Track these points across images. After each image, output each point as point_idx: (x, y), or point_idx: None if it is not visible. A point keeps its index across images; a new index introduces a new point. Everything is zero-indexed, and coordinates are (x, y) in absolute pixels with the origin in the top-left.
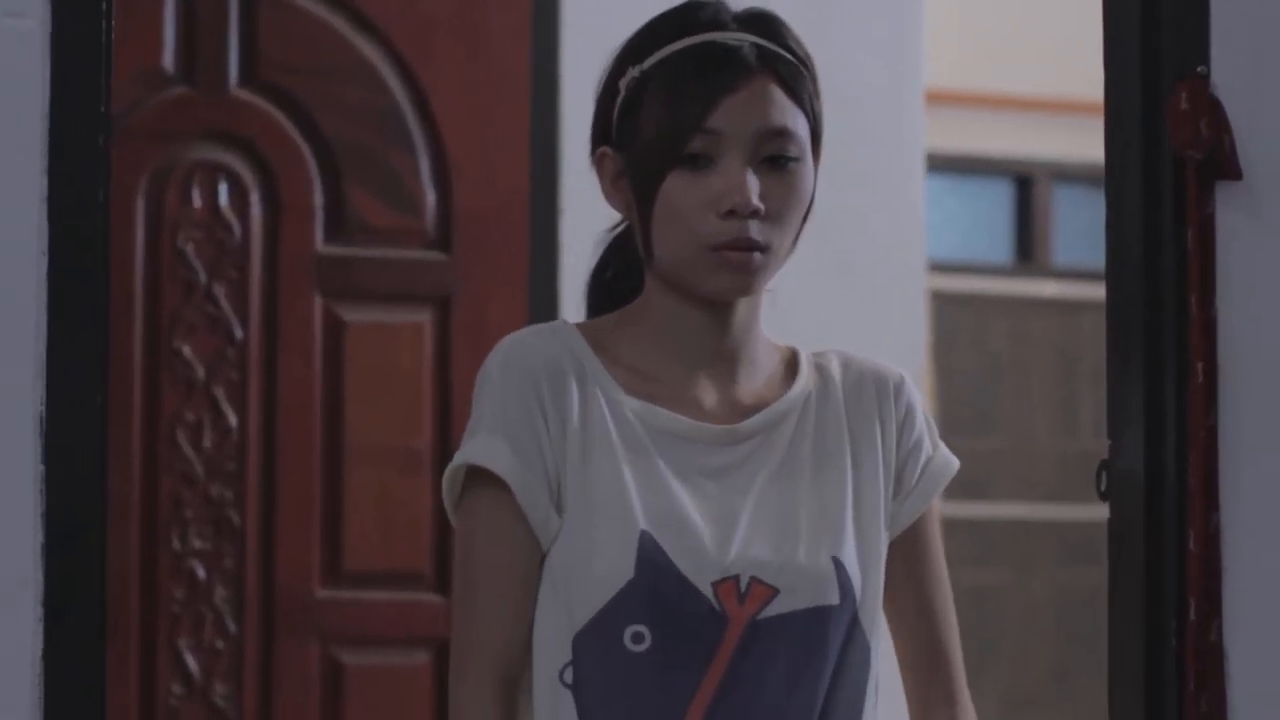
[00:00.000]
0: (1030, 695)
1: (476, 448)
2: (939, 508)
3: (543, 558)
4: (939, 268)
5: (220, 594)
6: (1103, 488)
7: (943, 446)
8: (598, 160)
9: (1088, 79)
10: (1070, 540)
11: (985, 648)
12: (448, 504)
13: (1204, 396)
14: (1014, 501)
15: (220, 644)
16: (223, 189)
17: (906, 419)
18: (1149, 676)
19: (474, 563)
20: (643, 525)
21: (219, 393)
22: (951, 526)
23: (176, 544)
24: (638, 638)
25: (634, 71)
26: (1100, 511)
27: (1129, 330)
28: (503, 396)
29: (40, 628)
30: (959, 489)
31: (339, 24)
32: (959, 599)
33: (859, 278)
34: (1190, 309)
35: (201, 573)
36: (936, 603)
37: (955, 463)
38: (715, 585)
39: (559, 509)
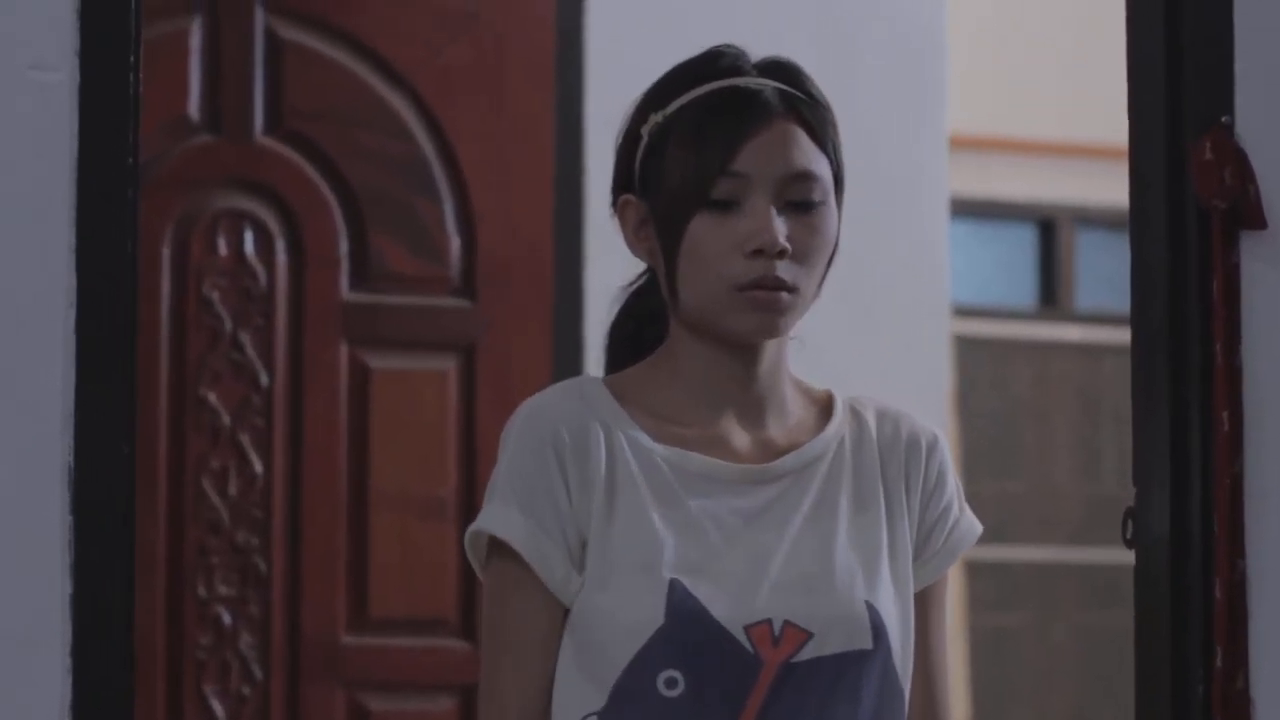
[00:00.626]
0: None
1: (491, 516)
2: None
3: (567, 612)
4: (962, 311)
5: (246, 640)
6: (1129, 535)
7: (968, 511)
8: (620, 208)
9: (1110, 123)
10: (1093, 583)
11: (1007, 691)
12: (474, 563)
13: (1229, 445)
14: (1036, 545)
15: (246, 690)
16: (248, 237)
17: (939, 482)
18: None
19: (496, 630)
20: (673, 572)
21: (245, 440)
22: (974, 570)
23: (203, 591)
24: (671, 683)
25: (657, 117)
26: (1123, 555)
27: (1154, 380)
28: (519, 462)
29: (69, 678)
30: (981, 532)
31: (363, 72)
32: (981, 642)
33: (882, 322)
34: (1215, 358)
35: (228, 619)
36: (938, 666)
37: (979, 528)
38: (748, 629)
39: (580, 566)
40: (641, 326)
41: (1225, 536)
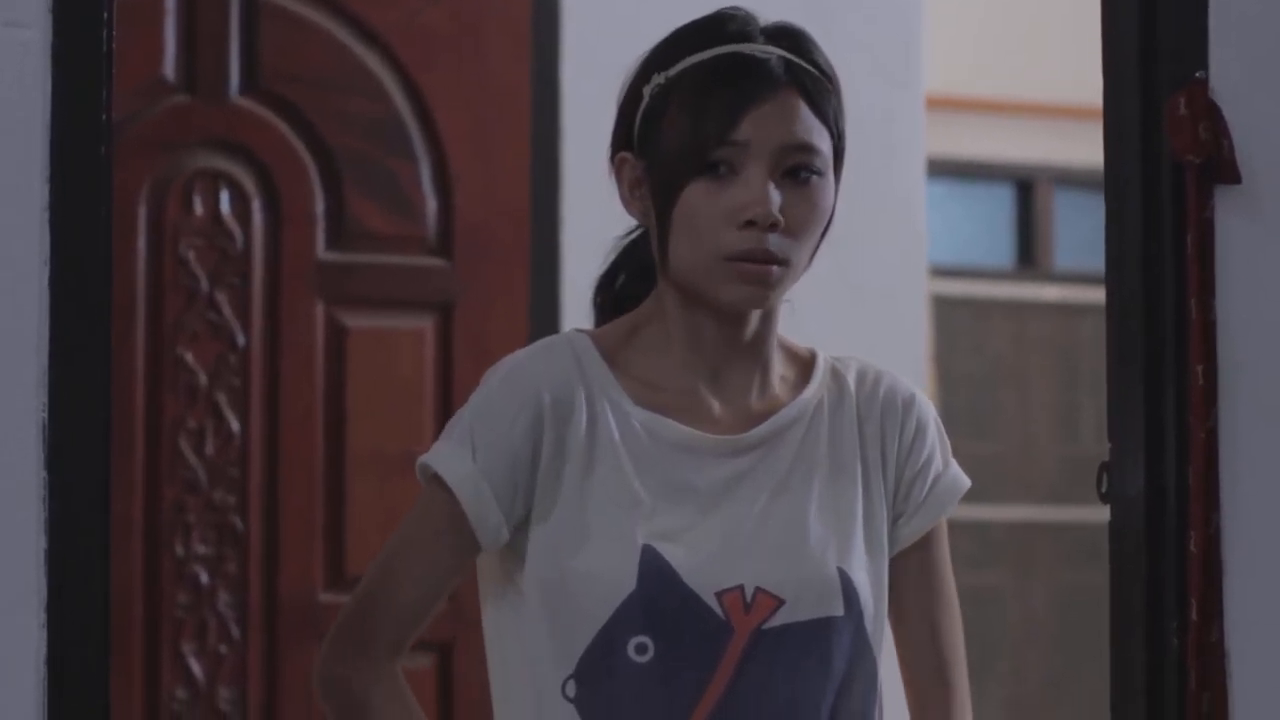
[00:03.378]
0: (1031, 697)
1: (442, 455)
2: (945, 524)
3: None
4: (940, 272)
5: (224, 599)
6: (1103, 489)
7: (955, 465)
8: (617, 165)
9: (1089, 84)
10: (1070, 543)
11: (986, 650)
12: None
13: (1204, 399)
14: (1014, 504)
15: (224, 649)
16: (224, 197)
17: (916, 436)
18: (1150, 677)
19: (408, 546)
20: (645, 538)
21: (221, 399)
22: (952, 529)
23: (180, 550)
24: (641, 649)
25: (659, 78)
26: (1101, 513)
27: (1128, 333)
28: (490, 411)
29: (44, 634)
30: (968, 487)
31: (340, 34)
32: (959, 600)
33: (860, 282)
34: (1189, 312)
35: (205, 578)
36: (943, 624)
37: (965, 482)
38: (720, 595)
39: (516, 523)
40: (632, 280)
41: (1200, 490)
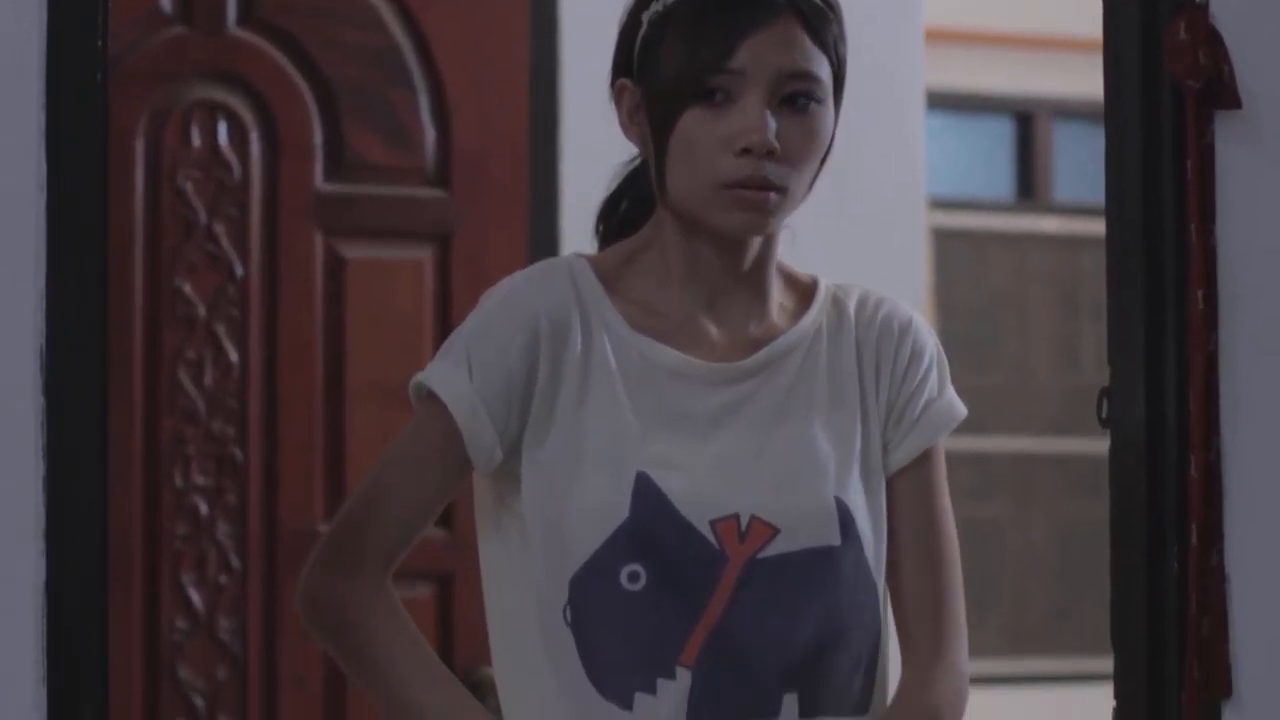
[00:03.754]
0: (1031, 629)
1: (438, 373)
2: (942, 453)
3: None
4: (939, 204)
5: (223, 530)
6: (1103, 415)
7: (951, 393)
8: (616, 92)
9: (1088, 16)
10: (1071, 474)
11: (986, 582)
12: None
13: (1203, 323)
14: (1015, 436)
15: (223, 579)
16: (222, 128)
17: (912, 360)
18: (1151, 601)
19: (400, 462)
20: (640, 465)
21: (220, 330)
22: (952, 461)
23: (179, 481)
24: (634, 577)
25: (658, 5)
26: (1101, 445)
27: (1129, 257)
28: (487, 331)
29: (43, 561)
30: (960, 422)
31: None
32: (959, 533)
33: (859, 215)
34: (1189, 236)
35: (204, 509)
36: (936, 553)
37: (960, 410)
38: (714, 524)
39: (510, 447)
40: (635, 205)
41: (1200, 415)
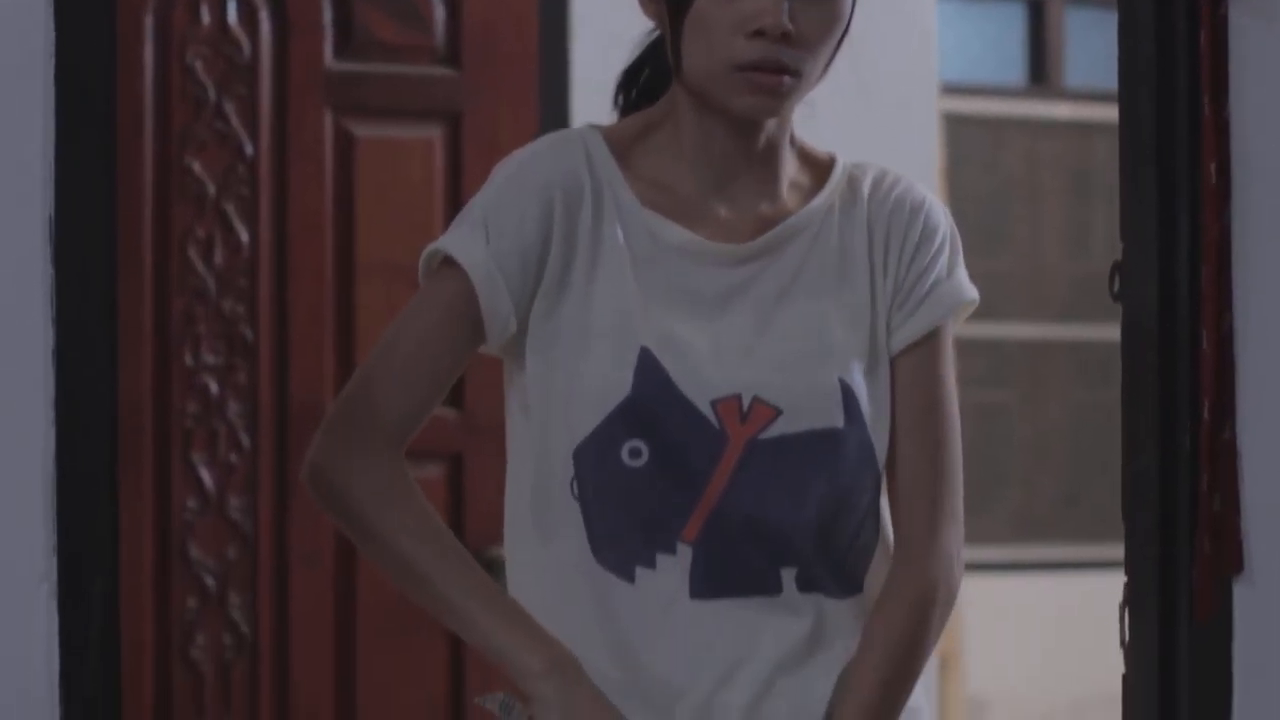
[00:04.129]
0: (1040, 516)
1: (455, 240)
2: (950, 338)
3: (521, 364)
4: (951, 90)
5: (233, 409)
6: (1115, 290)
7: (962, 274)
8: None
9: None
10: (1082, 361)
11: (995, 468)
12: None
13: (1216, 197)
14: (1025, 322)
15: (234, 458)
16: (231, 6)
17: (923, 240)
18: (1163, 477)
19: (408, 331)
20: (644, 342)
21: (230, 209)
22: (963, 347)
23: (189, 359)
24: (635, 453)
25: None
26: (1112, 332)
27: (1142, 131)
28: (502, 201)
29: (53, 432)
30: (973, 300)
31: None
32: (970, 420)
33: (871, 100)
34: (1202, 110)
35: (214, 388)
36: (935, 435)
37: (970, 292)
38: (716, 404)
39: (522, 318)
40: (656, 76)
41: (1212, 289)
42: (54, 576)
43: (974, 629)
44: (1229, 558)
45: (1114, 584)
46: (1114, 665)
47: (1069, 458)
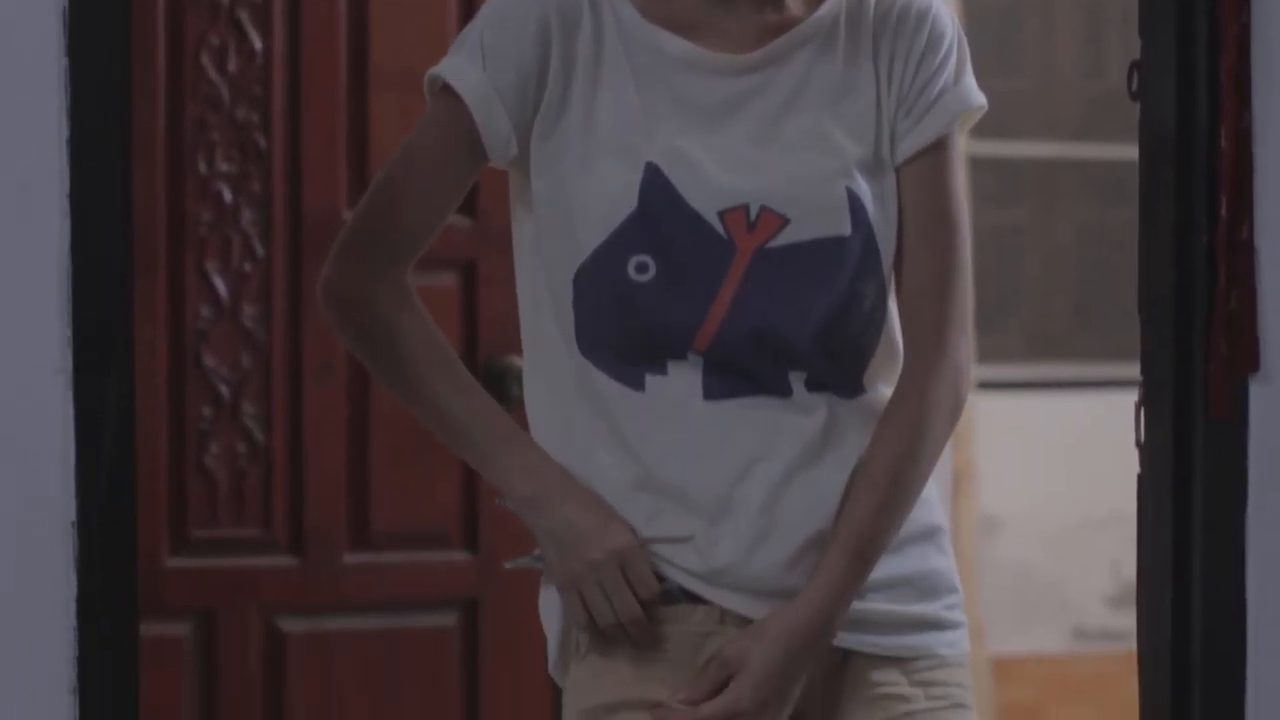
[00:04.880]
0: (1053, 332)
1: (452, 65)
2: (959, 147)
3: (528, 188)
4: None
5: (247, 217)
6: (1133, 87)
7: (969, 81)
8: None
9: None
10: (1095, 180)
11: (1008, 286)
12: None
13: None
14: (1039, 140)
15: (248, 266)
16: None
17: (929, 47)
18: (1179, 274)
19: (412, 154)
20: (649, 156)
21: (243, 16)
22: (975, 165)
23: (203, 167)
24: (642, 268)
25: None
26: (1127, 151)
27: None
28: (499, 22)
29: (67, 225)
30: (984, 127)
31: None
32: (982, 238)
33: None
34: None
35: (228, 196)
36: (942, 243)
37: (978, 98)
38: (723, 214)
39: (524, 137)
40: None
41: (1231, 86)
42: (69, 368)
43: (986, 447)
44: (1245, 356)
45: (1126, 402)
46: (1127, 484)
47: (1082, 276)
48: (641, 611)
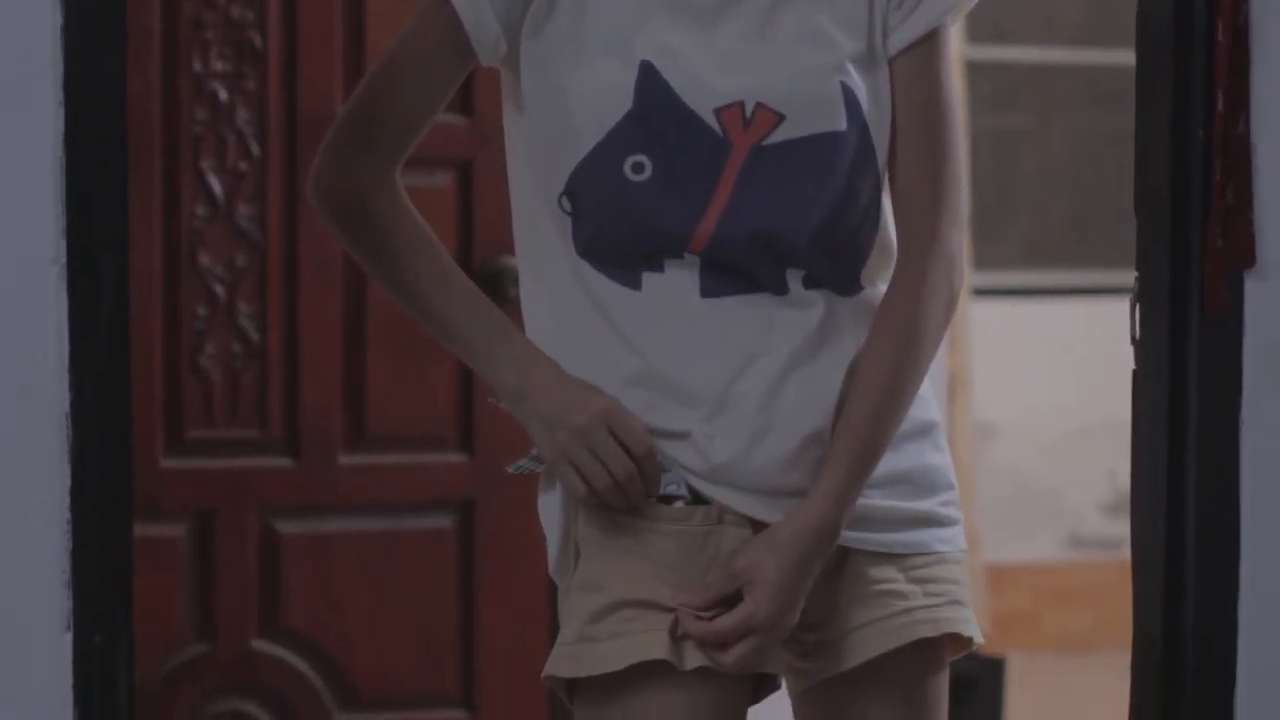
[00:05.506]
0: (1050, 238)
1: None
2: (950, 41)
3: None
4: None
5: (242, 116)
6: None
7: None
8: None
9: None
10: (1093, 85)
11: (1005, 192)
12: None
13: None
14: (1037, 45)
15: (243, 166)
16: None
17: None
18: (1175, 169)
19: (400, 53)
20: (643, 55)
21: None
22: (973, 70)
23: (198, 65)
24: (638, 167)
25: None
26: (1125, 56)
27: None
28: None
29: (61, 114)
30: (982, 31)
31: None
32: (979, 144)
33: None
34: None
35: (223, 94)
36: (935, 137)
37: None
38: (718, 112)
39: (513, 35)
40: None
41: None
42: (63, 259)
43: (982, 354)
44: (1241, 252)
45: (1121, 310)
46: (1124, 392)
47: (1079, 184)
48: (635, 467)
